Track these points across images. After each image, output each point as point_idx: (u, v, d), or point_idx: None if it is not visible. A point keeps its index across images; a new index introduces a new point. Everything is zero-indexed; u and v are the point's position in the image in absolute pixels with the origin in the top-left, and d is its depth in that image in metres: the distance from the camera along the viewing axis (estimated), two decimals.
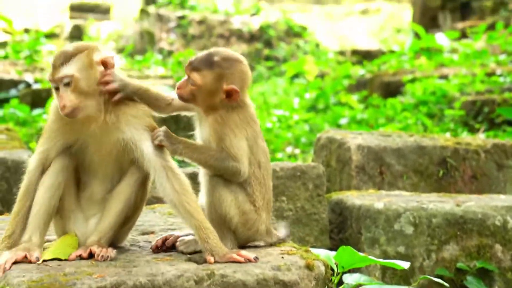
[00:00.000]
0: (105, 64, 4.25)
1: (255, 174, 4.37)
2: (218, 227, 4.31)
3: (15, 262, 4.09)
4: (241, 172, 4.31)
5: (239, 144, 4.32)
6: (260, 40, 22.37)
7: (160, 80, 14.48)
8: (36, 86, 14.08)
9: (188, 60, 4.41)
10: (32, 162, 4.31)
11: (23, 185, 4.29)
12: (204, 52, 4.43)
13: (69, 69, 4.16)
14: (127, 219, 4.39)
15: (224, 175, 4.31)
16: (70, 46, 4.25)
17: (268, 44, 22.38)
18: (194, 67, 4.34)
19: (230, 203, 4.32)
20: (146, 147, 4.24)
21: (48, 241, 4.39)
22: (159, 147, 4.24)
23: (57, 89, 4.19)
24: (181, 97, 4.38)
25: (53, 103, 4.31)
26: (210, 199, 4.32)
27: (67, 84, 4.15)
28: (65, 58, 4.17)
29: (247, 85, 4.42)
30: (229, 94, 4.33)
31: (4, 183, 6.74)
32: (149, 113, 4.32)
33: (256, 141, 4.40)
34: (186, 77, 4.38)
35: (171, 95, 4.45)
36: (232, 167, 4.30)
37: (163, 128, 4.29)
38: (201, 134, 4.40)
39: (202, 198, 4.43)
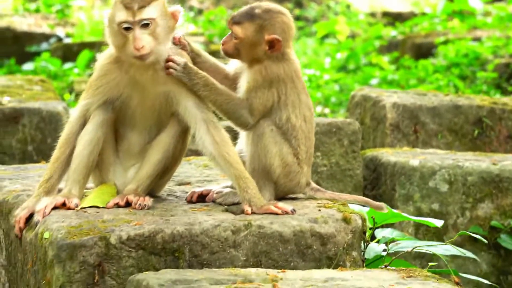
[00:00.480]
0: (174, 16, 4.27)
1: (302, 128, 4.39)
2: (259, 178, 4.32)
3: (54, 208, 4.13)
4: (247, 126, 4.35)
5: (265, 100, 4.34)
6: (290, 0, 22.27)
7: (191, 38, 14.46)
8: (67, 41, 14.11)
9: (231, 15, 4.43)
10: (74, 113, 4.35)
11: (63, 134, 4.32)
12: (246, 6, 4.43)
13: (151, 13, 4.16)
14: (166, 170, 4.41)
15: (229, 120, 4.34)
16: None
17: (299, 4, 22.25)
18: (235, 21, 4.37)
19: (274, 154, 4.33)
20: (187, 101, 4.25)
21: (87, 189, 4.42)
22: (200, 102, 4.25)
23: (127, 29, 4.18)
24: (226, 53, 4.41)
25: (99, 60, 4.33)
26: (254, 149, 4.33)
27: (145, 26, 4.17)
28: (145, 1, 4.18)
29: (291, 37, 4.42)
30: (272, 44, 4.33)
31: (39, 133, 6.78)
32: None
33: (299, 96, 4.40)
34: (229, 32, 4.40)
35: (227, 68, 4.48)
36: (244, 118, 4.32)
37: (183, 60, 4.26)
38: (241, 83, 4.41)
39: (244, 148, 4.44)
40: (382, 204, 4.49)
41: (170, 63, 4.23)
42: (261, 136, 4.33)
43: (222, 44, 4.42)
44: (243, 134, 4.46)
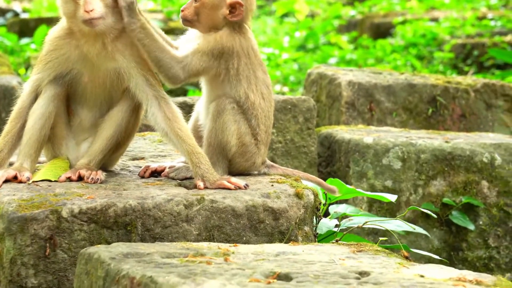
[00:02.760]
0: None
1: (261, 106, 4.38)
2: (214, 154, 4.32)
3: (6, 181, 4.10)
4: (176, 81, 4.27)
5: (206, 67, 4.29)
6: None
7: (149, 14, 14.37)
8: (24, 16, 13.96)
9: None
10: (25, 87, 4.33)
11: (15, 108, 4.30)
12: None
13: None
14: (119, 145, 4.39)
15: (159, 71, 4.25)
16: None
17: None
18: None
19: (232, 132, 4.32)
20: (138, 78, 4.22)
21: (40, 163, 4.40)
22: (151, 78, 4.22)
23: None
24: (184, 18, 4.38)
25: (50, 34, 4.30)
26: (213, 125, 4.32)
27: None
28: None
29: (252, 9, 4.41)
30: (233, 8, 4.32)
31: None
32: None
33: (254, 72, 4.39)
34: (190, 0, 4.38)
35: (174, 43, 4.44)
36: (175, 70, 4.25)
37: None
38: (188, 45, 4.37)
39: (203, 122, 4.43)
40: (334, 187, 4.52)
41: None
42: (221, 112, 4.32)
43: (182, 11, 4.39)
44: (204, 108, 4.45)
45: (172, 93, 10.74)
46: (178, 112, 4.26)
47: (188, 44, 4.36)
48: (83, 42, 4.20)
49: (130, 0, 4.17)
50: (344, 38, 14.05)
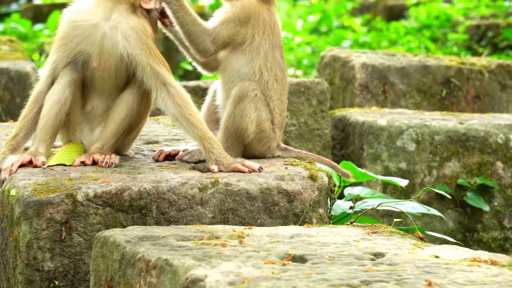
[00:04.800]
0: None
1: (274, 87, 4.38)
2: (230, 138, 4.33)
3: (21, 166, 4.12)
4: (206, 54, 4.34)
5: (235, 35, 4.32)
6: None
7: None
8: (37, 2, 13.98)
9: None
10: (42, 72, 4.35)
11: (33, 93, 4.33)
12: None
13: None
14: (131, 128, 4.40)
15: (190, 44, 4.33)
16: None
17: None
18: None
19: (252, 119, 4.33)
20: (146, 64, 4.22)
21: (54, 147, 4.42)
22: (159, 64, 4.23)
23: None
24: None
25: (62, 16, 4.32)
26: (232, 110, 4.32)
27: None
28: None
29: None
30: None
31: (7, 93, 6.74)
32: (150, 32, 4.29)
33: (273, 50, 4.39)
34: None
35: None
36: (205, 44, 4.31)
37: None
38: (215, 16, 4.41)
39: (221, 103, 4.44)
40: (348, 172, 4.52)
41: None
42: (243, 98, 4.31)
43: None
44: (221, 89, 4.45)
45: (186, 77, 10.76)
46: (188, 97, 4.26)
47: (217, 15, 4.38)
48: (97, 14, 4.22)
49: None
50: (357, 21, 14.02)
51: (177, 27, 4.33)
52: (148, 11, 4.30)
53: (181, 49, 4.46)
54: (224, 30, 4.31)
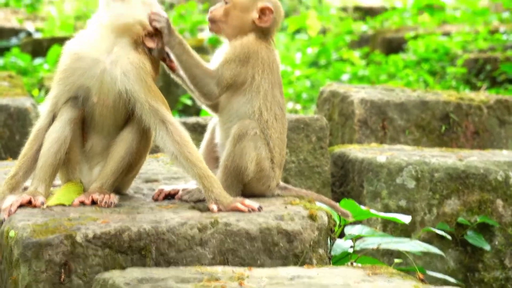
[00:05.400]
0: None
1: (274, 126, 4.39)
2: (229, 177, 4.32)
3: (20, 206, 4.11)
4: (211, 97, 4.35)
5: (237, 75, 4.34)
6: None
7: None
8: (37, 36, 14.02)
9: None
10: (43, 108, 4.35)
11: (33, 130, 4.33)
12: None
13: None
14: (131, 167, 4.40)
15: (195, 88, 4.35)
16: None
17: None
18: None
19: (252, 158, 4.32)
20: (145, 100, 4.23)
21: (54, 186, 4.40)
22: (158, 101, 4.23)
23: None
24: (212, 20, 4.44)
25: (65, 49, 4.32)
26: (232, 148, 4.32)
27: None
28: None
29: (279, 19, 4.45)
30: (263, 13, 4.37)
31: (7, 130, 6.73)
32: (150, 69, 4.30)
33: (272, 89, 4.40)
34: (220, 2, 4.44)
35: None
36: (210, 87, 4.33)
37: (166, 16, 4.30)
38: (217, 57, 4.43)
39: (220, 142, 4.44)
40: (347, 212, 4.51)
41: (155, 15, 4.25)
42: (243, 137, 4.31)
43: (210, 12, 4.46)
44: (220, 127, 4.45)
45: (185, 112, 10.77)
46: (187, 135, 4.26)
47: (218, 57, 4.40)
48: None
49: (166, 17, 4.27)
50: (356, 54, 14.05)
51: (181, 71, 4.34)
52: (150, 49, 4.32)
53: (188, 92, 4.47)
54: (226, 71, 4.33)
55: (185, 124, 5.03)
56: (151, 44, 4.30)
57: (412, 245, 4.55)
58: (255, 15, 4.39)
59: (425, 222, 5.73)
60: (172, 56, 4.34)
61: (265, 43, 4.42)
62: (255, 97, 4.35)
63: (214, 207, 4.15)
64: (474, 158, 5.91)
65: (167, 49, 4.32)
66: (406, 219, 4.77)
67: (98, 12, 4.34)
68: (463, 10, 15.78)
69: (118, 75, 4.21)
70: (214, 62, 4.42)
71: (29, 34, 14.13)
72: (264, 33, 4.42)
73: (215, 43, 4.55)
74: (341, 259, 4.49)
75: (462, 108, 6.88)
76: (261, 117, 4.35)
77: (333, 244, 4.33)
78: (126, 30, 4.27)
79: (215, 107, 4.49)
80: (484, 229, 5.77)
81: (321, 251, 4.15)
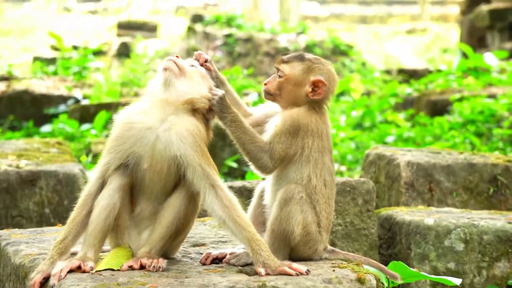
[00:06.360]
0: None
1: (322, 192, 4.40)
2: (276, 241, 4.33)
3: (70, 271, 4.14)
4: (266, 170, 4.38)
5: (288, 148, 4.36)
6: None
7: None
8: (84, 102, 14.24)
9: (280, 55, 4.55)
10: (93, 174, 4.41)
11: (82, 195, 4.38)
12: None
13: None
14: (178, 232, 4.43)
15: (249, 161, 4.39)
16: None
17: None
18: (284, 60, 4.48)
19: (298, 222, 4.33)
20: (195, 165, 4.28)
21: (103, 251, 4.44)
22: (208, 166, 4.28)
23: None
24: (267, 92, 4.48)
25: (117, 118, 4.40)
26: (278, 212, 4.34)
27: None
28: None
29: (333, 89, 4.48)
30: (316, 87, 4.39)
31: (56, 196, 6.82)
32: (204, 135, 4.37)
33: (322, 156, 4.42)
34: (274, 74, 4.50)
35: (248, 108, 4.59)
36: (264, 161, 4.36)
37: (222, 92, 4.37)
38: (269, 126, 4.46)
39: (268, 204, 4.46)
40: (396, 274, 4.48)
41: (212, 92, 4.34)
42: (289, 201, 4.33)
43: (265, 84, 4.50)
44: (270, 191, 4.48)
45: (230, 175, 10.81)
46: (235, 200, 4.30)
47: (271, 126, 4.43)
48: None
49: (221, 92, 4.35)
50: (401, 116, 14.05)
51: (236, 145, 4.39)
52: (207, 119, 4.40)
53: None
54: (277, 144, 4.36)
55: (231, 187, 5.06)
56: (210, 116, 4.39)
57: None
58: (308, 89, 4.43)
59: (474, 284, 5.67)
60: (228, 131, 4.39)
61: (317, 114, 4.44)
62: (305, 165, 4.38)
63: (261, 270, 4.15)
64: None
65: (222, 125, 4.39)
66: (456, 281, 4.73)
67: (154, 85, 4.42)
68: (510, 71, 15.72)
69: (173, 140, 4.28)
70: (267, 132, 4.45)
71: (77, 101, 14.36)
72: (318, 104, 4.45)
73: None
74: None
75: (510, 171, 6.83)
76: (310, 183, 4.37)
77: None
78: (189, 103, 4.36)
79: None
80: None
81: None
